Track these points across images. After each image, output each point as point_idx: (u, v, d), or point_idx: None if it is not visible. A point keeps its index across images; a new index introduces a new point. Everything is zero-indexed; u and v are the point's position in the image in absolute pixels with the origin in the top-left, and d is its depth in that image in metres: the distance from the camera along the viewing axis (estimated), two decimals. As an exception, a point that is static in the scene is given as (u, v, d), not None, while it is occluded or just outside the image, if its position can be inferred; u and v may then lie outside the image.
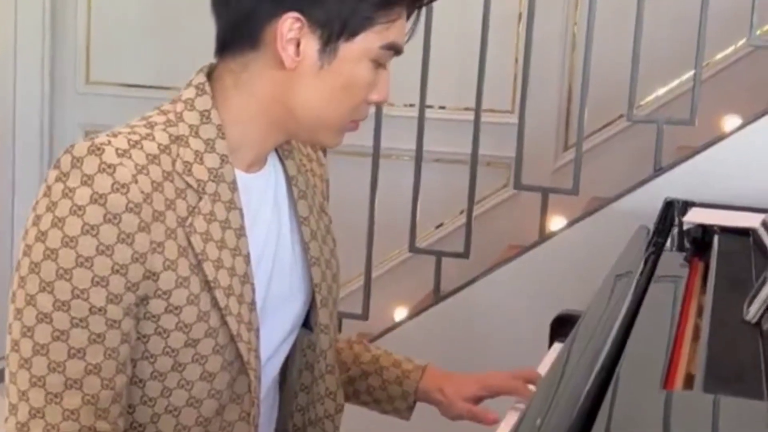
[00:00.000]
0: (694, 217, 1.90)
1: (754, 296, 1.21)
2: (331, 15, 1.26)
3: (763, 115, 2.43)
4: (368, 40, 1.28)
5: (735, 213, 1.93)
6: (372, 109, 2.76)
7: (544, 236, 2.58)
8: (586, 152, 3.48)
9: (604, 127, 3.61)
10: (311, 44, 1.26)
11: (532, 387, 1.58)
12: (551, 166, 3.74)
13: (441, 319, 2.63)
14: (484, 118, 3.00)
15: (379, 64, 1.31)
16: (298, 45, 1.26)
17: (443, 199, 3.48)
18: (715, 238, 1.78)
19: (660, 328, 1.34)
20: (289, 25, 1.25)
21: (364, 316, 2.72)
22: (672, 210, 2.04)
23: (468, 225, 2.67)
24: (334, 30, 1.26)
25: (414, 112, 2.87)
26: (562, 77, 3.70)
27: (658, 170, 2.47)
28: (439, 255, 2.69)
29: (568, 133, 3.79)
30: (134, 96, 4.10)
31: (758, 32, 3.34)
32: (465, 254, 2.68)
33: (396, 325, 2.68)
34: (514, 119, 3.75)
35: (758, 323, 1.17)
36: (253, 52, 1.28)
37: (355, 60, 1.28)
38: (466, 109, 3.57)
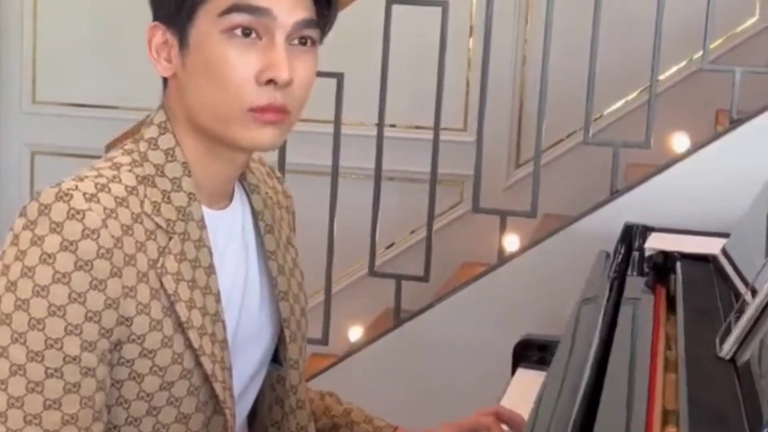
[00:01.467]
0: (655, 243, 1.92)
1: (726, 332, 1.23)
2: (167, 7, 1.26)
3: (715, 138, 2.47)
4: (207, 14, 1.24)
5: (694, 238, 1.96)
6: (329, 129, 2.80)
7: (502, 259, 2.60)
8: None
9: (555, 144, 3.64)
10: (173, 44, 1.27)
11: (504, 426, 1.59)
12: (503, 183, 3.77)
13: (401, 344, 2.64)
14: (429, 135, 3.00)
15: (237, 35, 1.23)
16: (170, 52, 1.27)
17: (394, 219, 3.47)
18: (678, 265, 1.81)
19: (635, 360, 1.37)
20: (151, 33, 1.28)
21: (324, 341, 2.71)
22: (631, 234, 2.06)
23: (428, 248, 2.68)
24: (177, 19, 1.25)
25: (363, 130, 2.86)
26: (512, 94, 3.74)
27: (615, 193, 2.50)
28: (399, 278, 2.69)
29: (520, 151, 3.82)
30: (81, 115, 4.06)
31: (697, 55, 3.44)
32: (425, 278, 2.69)
33: (355, 350, 2.68)
34: (466, 137, 3.80)
35: (732, 360, 1.19)
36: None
37: (208, 40, 1.24)
38: (417, 127, 3.61)
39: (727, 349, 1.18)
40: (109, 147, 2.56)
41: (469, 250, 3.61)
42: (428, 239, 2.71)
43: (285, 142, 2.70)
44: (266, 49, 1.24)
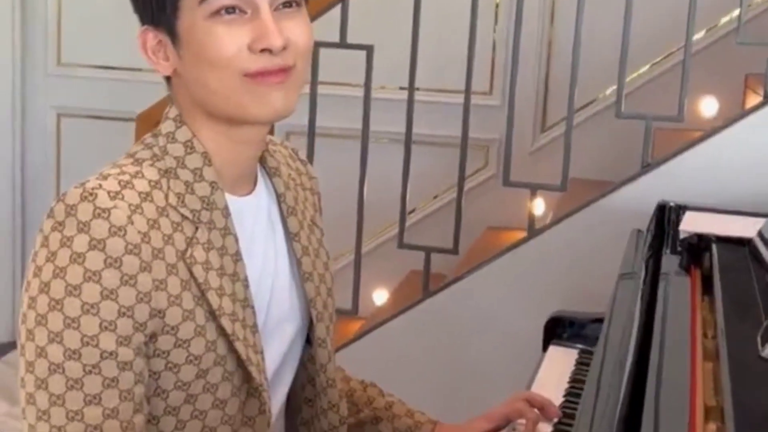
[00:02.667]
0: (690, 224, 1.91)
1: (768, 331, 1.22)
2: (150, 9, 1.27)
3: (749, 112, 2.43)
4: (189, 5, 1.24)
5: (729, 218, 1.95)
6: (360, 92, 2.77)
7: (532, 232, 2.59)
8: (561, 136, 3.50)
9: (582, 108, 3.59)
10: (166, 44, 1.28)
11: (533, 410, 1.60)
12: (529, 147, 3.74)
13: (430, 316, 2.64)
14: (458, 99, 2.98)
15: (221, 15, 1.24)
16: (166, 51, 1.28)
17: (416, 183, 3.45)
18: (713, 248, 1.80)
19: (676, 348, 1.37)
20: (143, 38, 1.29)
21: (354, 311, 2.72)
22: (664, 213, 2.04)
23: (457, 220, 2.67)
24: (161, 16, 1.26)
25: (386, 94, 2.81)
26: (539, 56, 3.70)
27: (646, 167, 2.48)
28: (428, 251, 2.68)
29: (546, 114, 3.79)
30: (106, 78, 4.07)
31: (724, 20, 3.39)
32: (454, 250, 2.68)
33: (384, 321, 2.68)
34: (491, 100, 3.77)
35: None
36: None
37: (194, 29, 1.24)
38: (439, 90, 3.57)
39: (770, 349, 1.17)
40: (142, 117, 2.54)
41: (494, 214, 3.60)
42: (457, 211, 2.69)
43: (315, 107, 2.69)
44: (253, 20, 1.24)
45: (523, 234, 2.66)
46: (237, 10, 1.24)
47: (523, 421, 1.59)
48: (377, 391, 1.64)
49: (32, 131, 4.22)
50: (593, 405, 1.27)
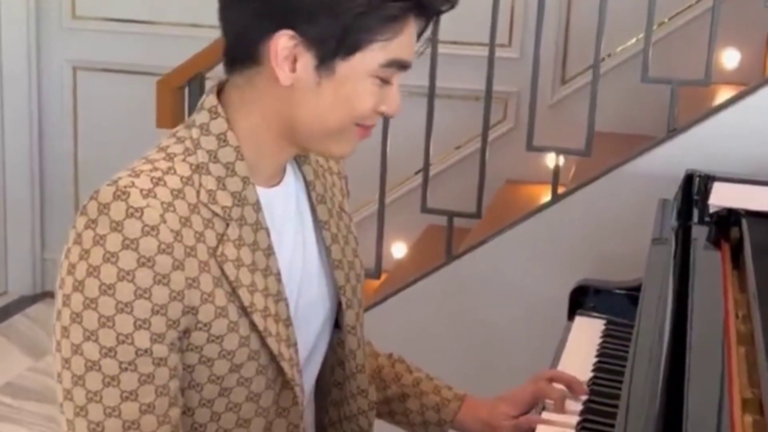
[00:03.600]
0: (719, 197, 1.89)
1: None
2: (326, 33, 1.23)
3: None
4: (368, 58, 1.24)
5: (759, 190, 1.93)
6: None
7: (556, 197, 2.57)
8: (582, 88, 3.46)
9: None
10: (307, 61, 1.24)
11: (558, 385, 1.60)
12: (548, 100, 3.71)
13: (453, 280, 2.63)
14: (478, 51, 2.93)
15: (384, 80, 1.27)
16: (295, 61, 1.24)
17: (434, 138, 3.41)
18: (743, 224, 1.78)
19: (710, 333, 1.37)
20: (283, 42, 1.23)
21: (377, 274, 2.72)
22: (692, 183, 2.02)
23: (480, 184, 2.65)
24: (330, 48, 1.23)
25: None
26: (559, 7, 3.64)
27: (672, 131, 2.45)
28: (451, 215, 2.67)
29: (566, 67, 3.75)
30: (121, 31, 4.04)
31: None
32: (477, 214, 2.67)
33: (408, 285, 2.68)
34: (510, 53, 3.73)
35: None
36: (256, 66, 1.27)
37: (355, 77, 1.25)
38: (454, 42, 3.51)
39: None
40: (162, 84, 2.52)
41: (513, 168, 3.58)
42: (481, 174, 2.67)
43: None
44: (387, 88, 1.29)
45: (543, 188, 2.63)
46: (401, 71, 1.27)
47: (550, 401, 1.59)
48: (405, 367, 1.64)
49: (48, 85, 4.21)
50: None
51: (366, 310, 2.55)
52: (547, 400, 1.59)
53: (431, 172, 3.52)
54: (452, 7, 1.29)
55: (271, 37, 1.23)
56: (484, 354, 2.60)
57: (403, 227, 3.58)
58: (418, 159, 2.86)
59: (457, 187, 3.48)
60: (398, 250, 3.71)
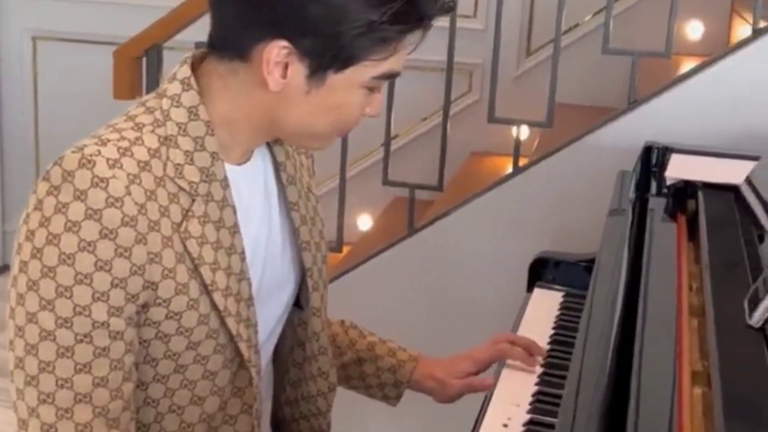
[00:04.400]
0: (676, 169, 1.90)
1: (755, 297, 1.22)
2: (322, 48, 1.21)
3: (737, 47, 2.40)
4: (361, 71, 1.23)
5: (716, 162, 1.94)
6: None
7: (517, 169, 2.57)
8: (547, 60, 3.45)
9: (566, 32, 3.53)
10: (299, 70, 1.22)
11: (518, 348, 1.63)
12: (513, 72, 3.70)
13: (415, 252, 2.63)
14: (443, 22, 2.86)
15: (372, 89, 1.27)
16: (286, 67, 1.22)
17: (398, 110, 3.41)
18: (699, 196, 1.79)
19: (664, 301, 1.38)
20: (276, 52, 1.21)
21: (338, 248, 2.71)
22: (650, 155, 2.03)
23: (442, 157, 2.65)
24: (323, 61, 1.22)
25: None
26: (525, -22, 3.63)
27: (632, 103, 2.46)
28: (413, 188, 2.67)
29: (531, 39, 3.74)
30: (82, 0, 3.97)
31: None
32: (439, 186, 2.67)
33: (370, 257, 2.68)
34: (476, 24, 3.72)
35: (761, 328, 1.19)
36: (243, 63, 1.24)
37: (345, 88, 1.24)
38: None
39: (757, 317, 1.17)
40: (118, 53, 2.48)
41: (477, 140, 3.58)
42: (442, 146, 2.66)
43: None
44: (374, 94, 1.30)
45: (507, 160, 2.63)
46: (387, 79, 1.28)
47: (511, 361, 1.62)
48: (358, 332, 1.65)
49: (7, 55, 4.15)
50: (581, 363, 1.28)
51: (329, 282, 2.58)
52: (508, 361, 1.62)
53: (397, 144, 3.55)
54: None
55: (264, 43, 1.21)
56: (445, 325, 2.61)
57: (369, 199, 3.57)
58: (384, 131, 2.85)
59: (424, 159, 3.46)
60: (364, 222, 3.71)
